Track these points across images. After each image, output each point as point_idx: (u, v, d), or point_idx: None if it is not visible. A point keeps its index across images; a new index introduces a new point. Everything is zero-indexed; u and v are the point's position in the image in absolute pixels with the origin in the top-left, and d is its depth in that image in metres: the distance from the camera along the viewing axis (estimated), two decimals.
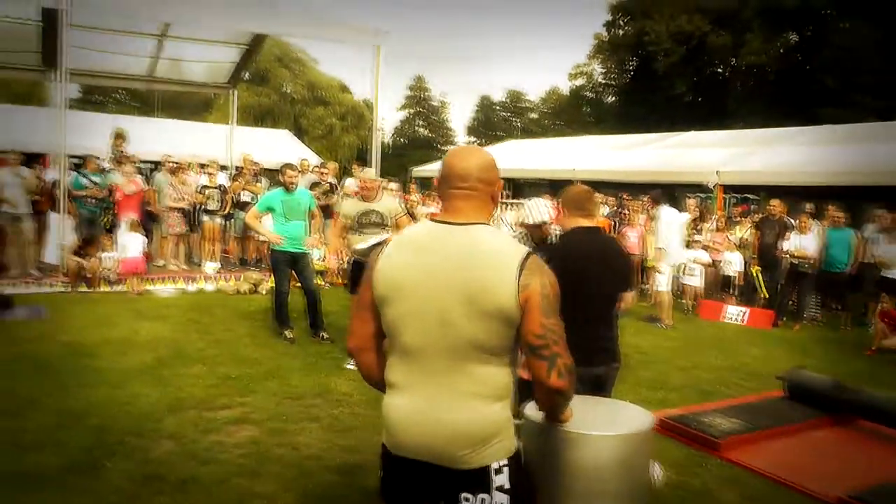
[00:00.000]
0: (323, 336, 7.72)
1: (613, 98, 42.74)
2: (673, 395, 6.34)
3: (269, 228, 7.98)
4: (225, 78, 16.28)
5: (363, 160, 19.04)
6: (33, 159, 12.69)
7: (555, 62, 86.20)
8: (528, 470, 2.20)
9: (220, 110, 33.11)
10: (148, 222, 11.79)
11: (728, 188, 15.33)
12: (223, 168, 13.71)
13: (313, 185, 11.90)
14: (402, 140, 52.99)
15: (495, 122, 55.74)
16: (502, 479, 2.04)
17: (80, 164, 11.50)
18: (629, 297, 3.83)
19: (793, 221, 11.16)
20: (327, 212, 10.99)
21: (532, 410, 2.30)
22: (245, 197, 12.00)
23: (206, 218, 11.98)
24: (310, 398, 5.79)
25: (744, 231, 12.01)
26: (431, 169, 22.76)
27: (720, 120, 26.88)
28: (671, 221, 10.18)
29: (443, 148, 48.79)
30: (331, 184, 12.95)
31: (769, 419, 5.18)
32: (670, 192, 13.21)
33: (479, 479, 2.02)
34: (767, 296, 10.96)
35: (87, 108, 28.70)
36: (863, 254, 10.48)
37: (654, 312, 10.07)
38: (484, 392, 2.03)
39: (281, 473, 4.31)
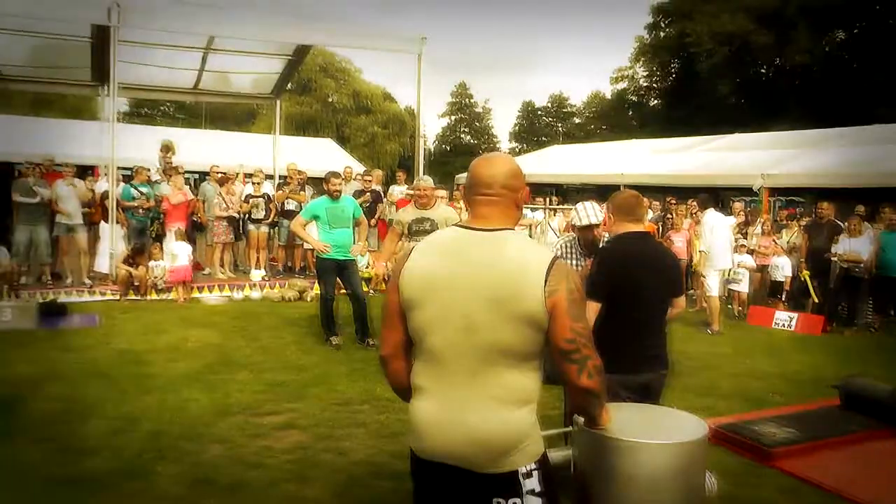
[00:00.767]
0: (369, 342, 7.75)
1: (657, 101, 42.34)
2: (721, 403, 6.21)
3: (314, 236, 8.06)
4: (269, 89, 16.49)
5: (406, 168, 19.13)
6: (84, 171, 13.03)
7: (597, 66, 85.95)
8: (580, 479, 2.18)
9: (264, 120, 33.61)
10: (194, 231, 12.01)
11: (774, 191, 15.04)
12: (268, 177, 13.89)
13: (357, 194, 11.99)
14: (445, 147, 53.20)
15: (538, 127, 55.65)
16: (532, 483, 2.04)
17: (129, 175, 11.77)
18: (681, 303, 3.77)
19: (843, 224, 10.88)
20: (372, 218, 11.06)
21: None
22: (290, 205, 12.14)
23: (251, 226, 12.15)
24: (356, 404, 5.82)
25: (791, 235, 11.76)
26: None
27: (765, 121, 26.35)
28: (716, 225, 10.03)
29: None
30: (376, 191, 13.02)
31: (824, 429, 4.99)
32: (716, 196, 13.00)
33: (509, 484, 2.03)
34: (819, 301, 10.69)
35: (135, 122, 29.38)
36: None
37: (703, 317, 9.92)
38: (510, 397, 2.04)
39: (329, 478, 4.34)
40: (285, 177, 13.46)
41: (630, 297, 3.36)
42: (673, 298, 3.65)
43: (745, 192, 15.08)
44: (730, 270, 10.75)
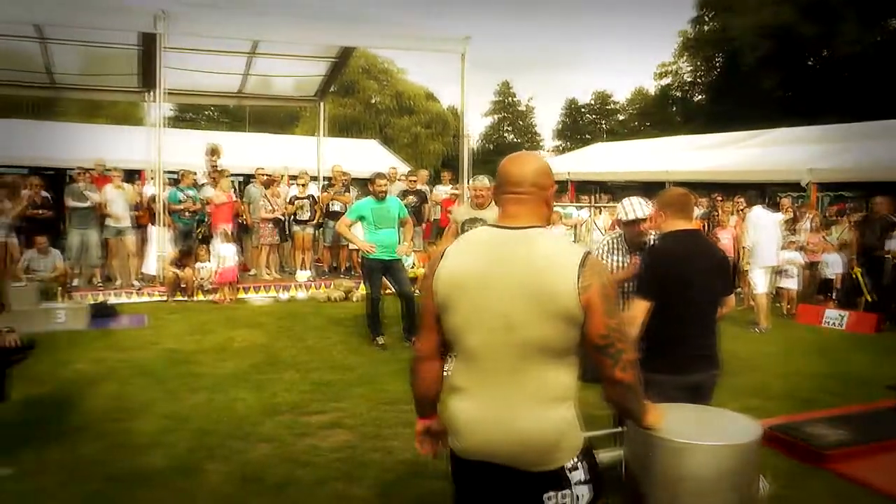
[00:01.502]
0: (415, 341, 7.77)
1: (701, 96, 41.67)
2: (771, 404, 6.09)
3: (359, 237, 8.11)
4: (313, 91, 16.63)
5: (451, 168, 19.16)
6: (131, 176, 13.31)
7: (641, 62, 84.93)
8: (631, 480, 2.16)
9: (307, 123, 33.93)
10: (240, 233, 12.19)
11: (822, 186, 14.68)
12: (313, 179, 14.02)
13: (403, 194, 12.03)
14: (489, 146, 53.08)
15: (582, 125, 55.30)
16: (579, 475, 2.08)
17: (176, 179, 12.00)
18: (730, 302, 3.71)
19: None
20: (418, 219, 11.08)
21: None
22: (335, 207, 12.24)
23: (297, 228, 12.29)
24: (403, 403, 5.81)
25: (841, 231, 11.47)
26: None
27: (812, 115, 25.75)
28: (760, 221, 9.85)
29: None
30: (422, 192, 13.04)
31: (880, 430, 4.84)
32: (762, 192, 12.75)
33: (557, 479, 2.06)
34: (872, 299, 10.41)
35: (180, 126, 29.85)
36: None
37: (750, 316, 9.74)
38: (551, 394, 2.06)
39: (377, 477, 4.37)
40: (330, 178, 13.56)
41: (681, 295, 3.31)
42: (723, 297, 3.59)
43: (793, 187, 14.75)
44: (777, 268, 10.54)
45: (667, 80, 44.03)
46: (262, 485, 4.26)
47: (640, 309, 3.27)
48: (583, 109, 56.17)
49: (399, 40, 14.04)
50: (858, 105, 26.88)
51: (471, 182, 7.72)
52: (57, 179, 14.98)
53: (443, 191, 13.92)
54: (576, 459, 2.08)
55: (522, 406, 2.05)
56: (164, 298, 10.66)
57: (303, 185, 12.38)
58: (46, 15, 11.14)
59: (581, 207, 15.14)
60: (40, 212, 10.91)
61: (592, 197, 17.48)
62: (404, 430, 5.17)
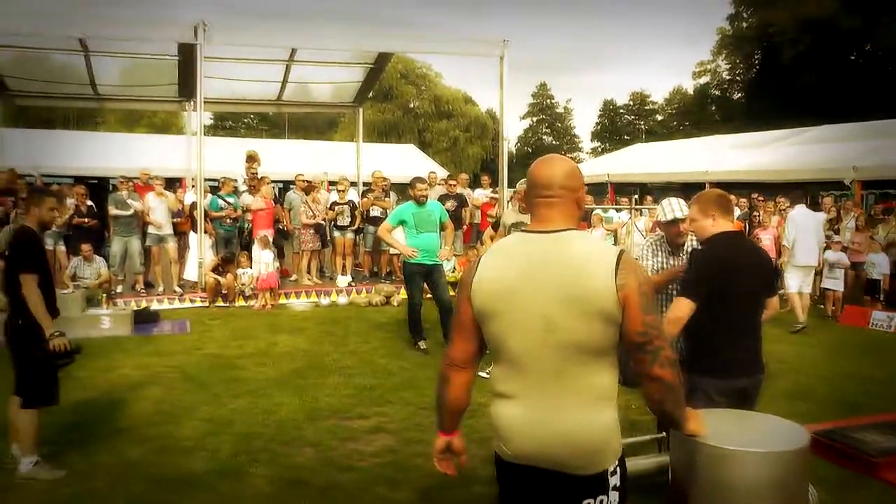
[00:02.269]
0: None
1: (740, 94, 41.13)
2: (817, 408, 5.95)
3: (400, 241, 8.16)
4: (351, 97, 16.71)
5: (489, 171, 19.13)
6: (171, 184, 13.53)
7: (678, 61, 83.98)
8: (677, 487, 2.14)
9: (346, 128, 34.26)
10: (280, 239, 12.31)
11: (867, 184, 14.35)
12: (352, 184, 14.10)
13: (443, 199, 12.04)
14: (527, 149, 53.04)
15: (620, 125, 54.98)
16: (615, 480, 2.10)
17: (216, 186, 12.17)
18: (774, 304, 3.65)
19: None
20: (458, 223, 11.06)
21: None
22: (375, 212, 12.29)
23: (337, 233, 12.35)
24: None
25: (889, 230, 11.20)
26: None
27: (854, 111, 25.18)
28: (801, 220, 9.68)
29: (569, 155, 48.81)
30: (461, 196, 13.05)
31: None
32: (804, 191, 12.51)
33: (599, 484, 2.07)
34: None
35: (219, 134, 30.34)
36: None
37: (792, 318, 9.55)
38: (594, 395, 2.07)
39: (420, 482, 4.38)
40: (369, 184, 13.63)
41: (726, 298, 3.27)
42: (767, 299, 3.55)
43: (835, 186, 14.46)
44: (818, 268, 10.32)
45: (705, 79, 43.63)
46: (306, 488, 4.30)
47: (684, 310, 3.23)
48: (620, 110, 55.91)
49: (439, 45, 14.11)
50: None
51: (517, 185, 7.72)
52: (99, 188, 15.30)
53: (482, 194, 13.91)
54: (616, 463, 2.10)
55: (568, 408, 2.06)
56: (206, 304, 10.81)
57: (342, 191, 12.45)
58: (91, 29, 11.42)
59: (621, 210, 15.00)
60: (85, 220, 11.15)
61: (632, 199, 17.31)
62: None
